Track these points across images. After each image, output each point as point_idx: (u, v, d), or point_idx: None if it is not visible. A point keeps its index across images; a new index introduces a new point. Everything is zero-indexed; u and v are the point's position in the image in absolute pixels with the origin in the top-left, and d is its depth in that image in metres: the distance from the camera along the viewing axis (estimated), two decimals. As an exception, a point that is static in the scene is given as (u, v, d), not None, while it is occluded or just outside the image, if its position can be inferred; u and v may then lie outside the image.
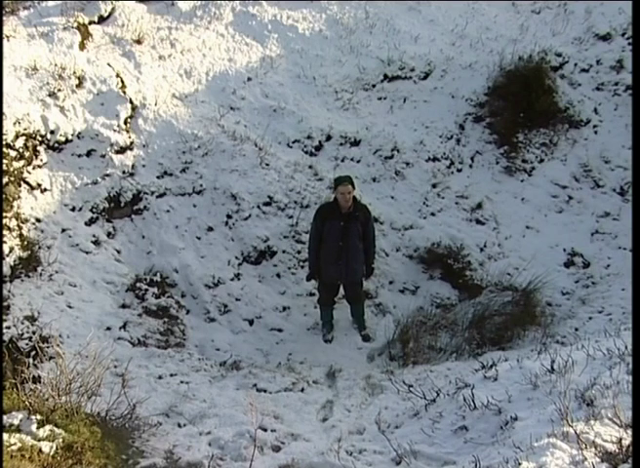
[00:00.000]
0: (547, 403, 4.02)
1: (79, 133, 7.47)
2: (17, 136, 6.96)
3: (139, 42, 8.51)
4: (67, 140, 7.39)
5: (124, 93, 7.86)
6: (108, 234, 7.33)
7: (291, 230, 7.84)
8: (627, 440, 3.39)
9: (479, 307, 7.37)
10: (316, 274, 7.15)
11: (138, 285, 7.08)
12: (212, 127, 8.12)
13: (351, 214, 6.88)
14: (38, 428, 4.00)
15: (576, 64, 9.72)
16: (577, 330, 7.15)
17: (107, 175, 7.46)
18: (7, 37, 7.65)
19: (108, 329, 6.44)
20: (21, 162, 6.97)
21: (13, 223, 6.58)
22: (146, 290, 7.08)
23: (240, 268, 7.62)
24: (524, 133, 9.17)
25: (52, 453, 3.83)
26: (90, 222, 7.25)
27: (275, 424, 5.21)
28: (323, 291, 7.29)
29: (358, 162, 8.56)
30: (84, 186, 7.31)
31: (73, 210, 7.19)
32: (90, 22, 8.48)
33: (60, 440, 3.97)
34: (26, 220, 6.78)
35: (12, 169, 6.81)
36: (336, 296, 7.34)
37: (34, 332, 5.86)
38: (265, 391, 5.93)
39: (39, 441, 3.89)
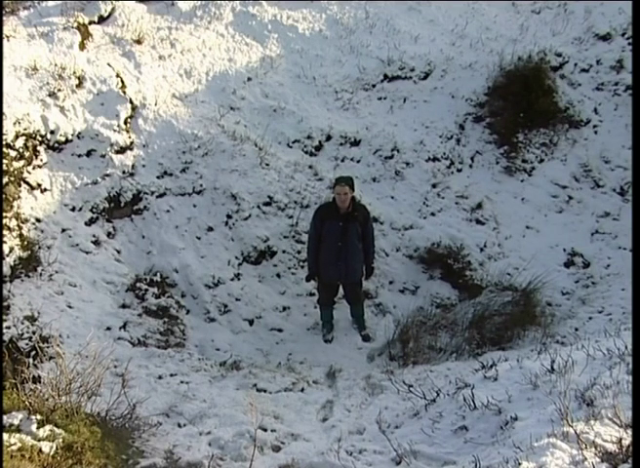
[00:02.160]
0: (547, 403, 4.02)
1: (79, 133, 7.47)
2: (17, 136, 6.96)
3: (139, 42, 8.51)
4: (67, 140, 7.39)
5: (124, 93, 7.86)
6: (108, 234, 7.33)
7: (291, 230, 7.84)
8: (627, 440, 3.38)
9: (479, 307, 7.37)
10: (315, 274, 7.14)
11: (138, 285, 7.08)
12: (212, 127, 8.12)
13: (350, 214, 6.87)
14: (38, 428, 4.00)
15: (576, 64, 9.72)
16: (577, 330, 7.15)
17: (107, 175, 7.46)
18: (7, 37, 7.65)
19: (108, 329, 6.43)
20: (21, 162, 6.97)
21: (13, 223, 6.58)
22: (146, 290, 7.08)
23: (240, 268, 7.62)
24: (524, 133, 9.17)
25: (52, 453, 3.83)
26: (90, 222, 7.25)
27: (275, 424, 5.21)
28: (322, 291, 7.28)
29: (358, 162, 8.56)
30: (84, 186, 7.31)
31: (73, 210, 7.19)
32: (90, 22, 8.48)
33: (60, 440, 3.97)
34: (26, 220, 6.78)
35: (12, 169, 6.81)
36: (335, 296, 7.34)
37: (34, 332, 5.86)
38: (265, 391, 5.94)
39: (39, 441, 3.89)
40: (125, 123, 7.74)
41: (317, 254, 6.99)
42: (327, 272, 7.02)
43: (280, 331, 7.37)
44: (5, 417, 3.98)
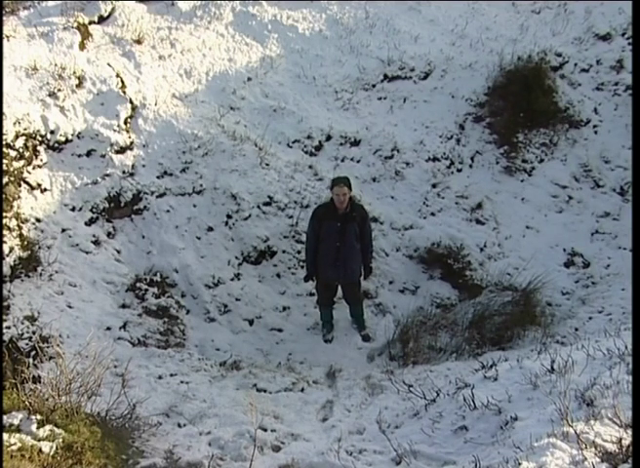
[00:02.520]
0: (547, 403, 4.02)
1: (79, 133, 7.47)
2: (17, 136, 6.96)
3: (139, 42, 8.51)
4: (67, 140, 7.39)
5: (124, 93, 7.86)
6: (108, 234, 7.33)
7: (291, 230, 7.84)
8: (627, 440, 3.38)
9: (479, 307, 7.37)
10: (314, 275, 7.13)
11: (138, 285, 7.08)
12: (212, 127, 8.12)
13: (348, 214, 6.85)
14: (38, 428, 4.00)
15: (576, 64, 9.73)
16: (577, 330, 7.15)
17: (107, 175, 7.46)
18: (7, 37, 7.65)
19: (108, 329, 6.43)
20: (21, 162, 6.97)
21: (13, 223, 6.58)
22: (146, 290, 7.08)
23: (240, 268, 7.62)
24: (524, 133, 9.17)
25: (52, 453, 3.83)
26: (90, 222, 7.25)
27: (275, 424, 5.21)
28: (321, 291, 7.27)
29: (358, 162, 8.56)
30: (84, 186, 7.31)
31: (73, 210, 7.19)
32: (90, 22, 8.48)
33: (60, 440, 3.97)
34: (26, 220, 6.78)
35: (12, 169, 6.81)
36: (334, 296, 7.33)
37: (34, 332, 5.86)
38: (265, 391, 5.94)
39: (39, 441, 3.89)
40: (125, 123, 7.74)
41: (315, 255, 6.98)
42: (325, 272, 7.01)
43: (280, 331, 7.36)
44: (5, 417, 3.98)
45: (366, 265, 7.19)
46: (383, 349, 7.04)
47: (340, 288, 7.30)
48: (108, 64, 8.03)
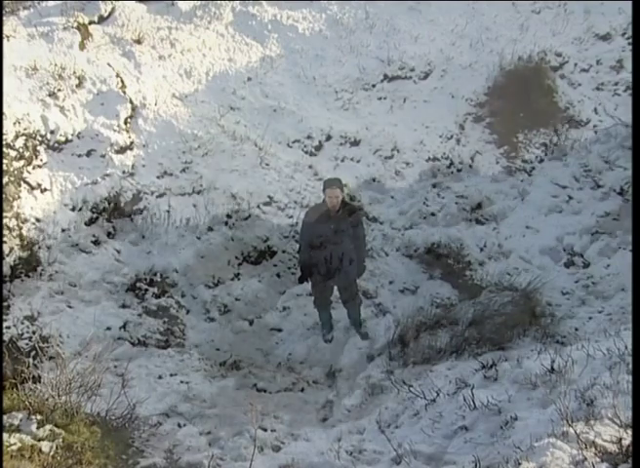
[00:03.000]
0: (547, 403, 4.02)
1: (79, 133, 7.47)
2: (17, 136, 6.97)
3: (139, 42, 8.51)
4: (67, 140, 7.39)
5: (124, 93, 7.86)
6: (108, 234, 7.33)
7: (291, 230, 7.84)
8: (627, 440, 3.39)
9: (479, 307, 7.34)
10: (308, 276, 7.07)
11: (138, 285, 7.07)
12: (212, 127, 8.12)
13: (341, 215, 6.79)
14: (38, 428, 4.00)
15: (576, 64, 9.73)
16: (577, 330, 7.13)
17: (107, 175, 7.46)
18: (7, 37, 7.65)
19: (108, 329, 6.43)
20: (21, 162, 6.97)
21: (13, 223, 6.58)
22: (146, 290, 7.07)
23: (240, 268, 7.62)
24: (524, 133, 9.18)
25: (52, 453, 3.84)
26: (90, 222, 7.25)
27: (275, 424, 5.22)
28: (317, 292, 7.20)
29: (358, 162, 8.56)
30: (84, 186, 7.30)
31: (73, 210, 7.19)
32: (90, 22, 8.49)
33: (60, 440, 3.97)
34: (26, 220, 6.78)
35: (12, 169, 6.82)
36: (330, 296, 7.29)
37: (34, 332, 5.87)
38: (265, 391, 5.94)
39: (39, 441, 3.89)
40: (125, 123, 7.74)
41: (309, 257, 6.93)
42: (319, 274, 6.95)
43: (280, 330, 7.35)
44: (5, 417, 3.99)
45: (359, 264, 7.14)
46: (383, 349, 7.02)
47: (336, 289, 7.26)
48: (108, 64, 8.03)
